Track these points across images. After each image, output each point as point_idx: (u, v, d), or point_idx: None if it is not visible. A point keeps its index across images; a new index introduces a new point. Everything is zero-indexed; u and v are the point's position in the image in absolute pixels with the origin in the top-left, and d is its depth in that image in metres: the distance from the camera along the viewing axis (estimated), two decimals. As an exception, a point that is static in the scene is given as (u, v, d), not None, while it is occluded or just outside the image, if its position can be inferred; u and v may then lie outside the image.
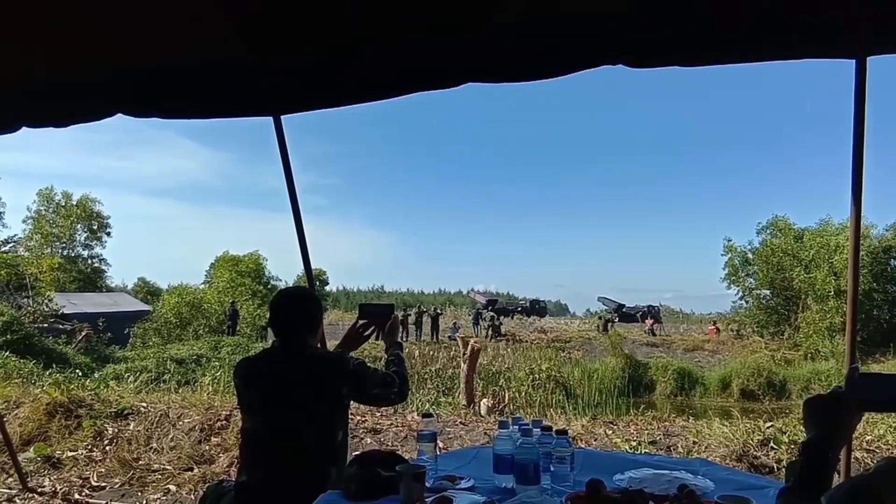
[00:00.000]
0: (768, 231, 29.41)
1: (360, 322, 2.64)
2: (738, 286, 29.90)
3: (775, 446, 4.71)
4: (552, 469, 1.93)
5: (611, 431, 5.46)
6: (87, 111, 3.13)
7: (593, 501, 1.69)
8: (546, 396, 16.93)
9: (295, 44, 2.66)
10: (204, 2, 2.33)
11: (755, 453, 4.64)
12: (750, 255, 29.46)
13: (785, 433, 4.85)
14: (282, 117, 3.06)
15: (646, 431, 5.48)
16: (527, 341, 29.24)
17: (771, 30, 2.22)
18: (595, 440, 5.23)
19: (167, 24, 2.52)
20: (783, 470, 4.57)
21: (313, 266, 3.35)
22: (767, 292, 28.72)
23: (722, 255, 30.66)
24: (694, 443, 5.03)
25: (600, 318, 33.68)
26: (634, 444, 5.05)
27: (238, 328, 28.23)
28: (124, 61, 2.90)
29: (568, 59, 2.46)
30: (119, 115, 3.10)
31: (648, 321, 33.83)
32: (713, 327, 31.49)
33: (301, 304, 2.36)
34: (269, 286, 39.71)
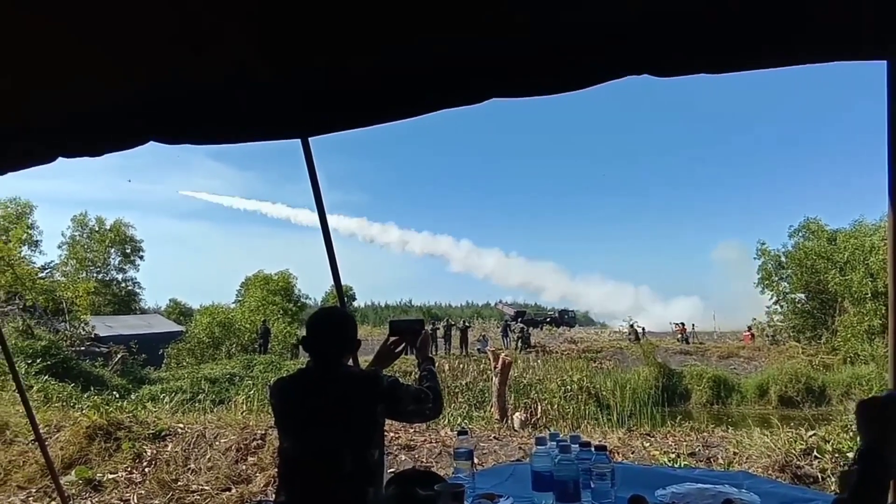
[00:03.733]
0: (801, 234, 28.86)
1: (391, 338, 2.64)
2: (771, 291, 29.33)
3: (819, 455, 4.60)
4: (592, 486, 1.91)
5: (648, 444, 5.38)
6: (120, 140, 3.19)
7: (636, 518, 1.67)
8: (579, 408, 16.73)
9: (320, 65, 2.68)
10: (228, 26, 2.37)
11: (798, 463, 4.53)
12: (783, 259, 28.90)
13: (828, 441, 4.73)
14: (310, 139, 3.09)
15: (684, 443, 5.39)
16: (557, 352, 28.95)
17: (802, 32, 2.18)
18: (632, 453, 5.15)
19: (193, 50, 2.56)
20: (828, 480, 4.46)
21: (344, 282, 3.36)
22: (802, 296, 28.11)
23: (755, 258, 30.17)
24: (734, 454, 4.93)
25: (631, 326, 33.20)
26: (673, 456, 4.97)
27: (270, 346, 28.49)
28: (154, 89, 2.96)
29: (592, 71, 2.43)
30: (151, 142, 3.17)
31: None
32: (748, 333, 30.87)
33: (336, 324, 2.36)
34: (298, 304, 40.11)
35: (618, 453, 5.05)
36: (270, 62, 2.63)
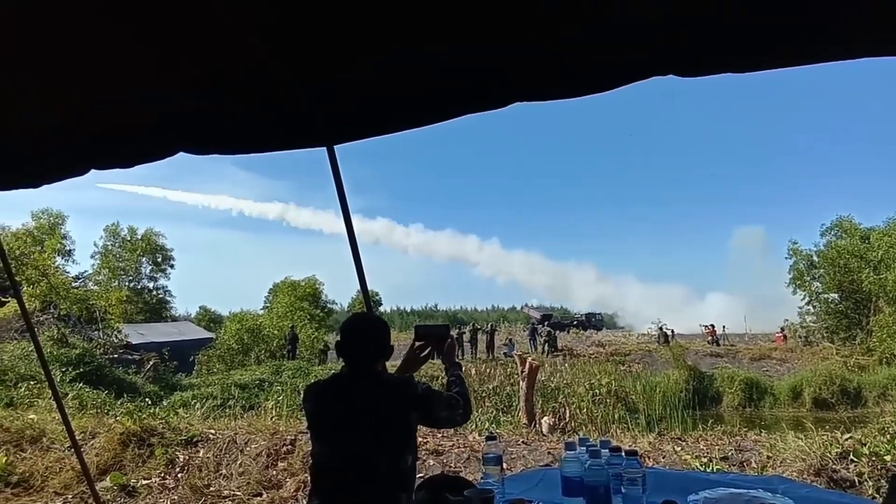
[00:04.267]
0: (833, 232, 28.32)
1: (417, 344, 2.66)
2: (804, 291, 28.78)
3: (855, 459, 4.49)
4: (623, 491, 1.89)
5: (679, 448, 5.31)
6: (151, 151, 3.26)
7: (669, 524, 1.65)
8: (608, 412, 16.56)
9: (344, 72, 2.71)
10: (249, 37, 2.40)
11: (834, 467, 4.43)
12: (815, 259, 28.36)
13: (865, 445, 4.62)
14: (335, 146, 3.11)
15: (716, 447, 5.31)
16: (584, 356, 28.73)
17: (831, 30, 2.14)
18: (663, 458, 5.09)
19: (218, 62, 2.61)
20: (865, 484, 4.36)
21: (368, 287, 3.38)
22: (836, 296, 27.54)
23: (786, 258, 29.65)
24: (768, 458, 4.84)
25: (660, 328, 32.81)
26: (705, 460, 4.89)
27: (298, 352, 28.73)
28: (183, 102, 3.01)
29: (616, 74, 2.42)
30: (180, 153, 3.22)
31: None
32: (780, 334, 30.32)
33: (370, 331, 2.37)
34: (325, 309, 40.37)
35: (648, 458, 4.99)
36: (294, 71, 2.66)
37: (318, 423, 2.28)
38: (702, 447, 5.32)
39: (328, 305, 41.30)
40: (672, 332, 32.85)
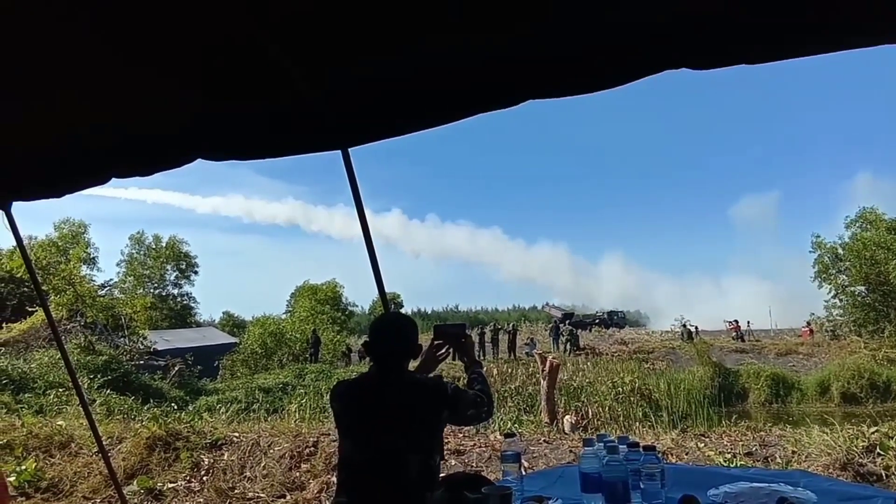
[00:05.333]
0: (858, 224, 27.83)
1: (436, 343, 2.67)
2: (829, 284, 28.32)
3: (882, 452, 4.42)
4: (642, 486, 1.88)
5: (702, 444, 5.26)
6: (169, 159, 3.31)
7: (688, 518, 1.64)
8: (631, 410, 16.44)
9: (357, 73, 2.72)
10: (262, 41, 2.43)
11: (861, 461, 4.36)
12: (840, 251, 27.90)
13: (892, 438, 4.54)
14: (350, 149, 3.13)
15: (740, 443, 5.25)
16: (607, 354, 28.55)
17: (852, 17, 2.11)
18: (686, 454, 5.04)
19: (232, 68, 2.64)
20: (892, 478, 4.28)
21: (388, 290, 3.40)
22: (862, 289, 27.06)
23: (810, 251, 29.21)
24: (793, 452, 4.77)
25: (684, 325, 32.50)
26: (728, 456, 4.84)
27: (320, 355, 28.91)
28: (199, 109, 3.05)
29: (629, 68, 2.41)
30: (198, 160, 3.27)
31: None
32: (806, 329, 29.87)
33: (399, 330, 2.39)
34: (346, 312, 40.60)
35: (671, 455, 4.95)
36: (307, 75, 2.68)
37: (348, 421, 2.31)
38: (725, 443, 5.26)
39: (349, 308, 41.54)
40: (696, 328, 32.53)
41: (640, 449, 1.96)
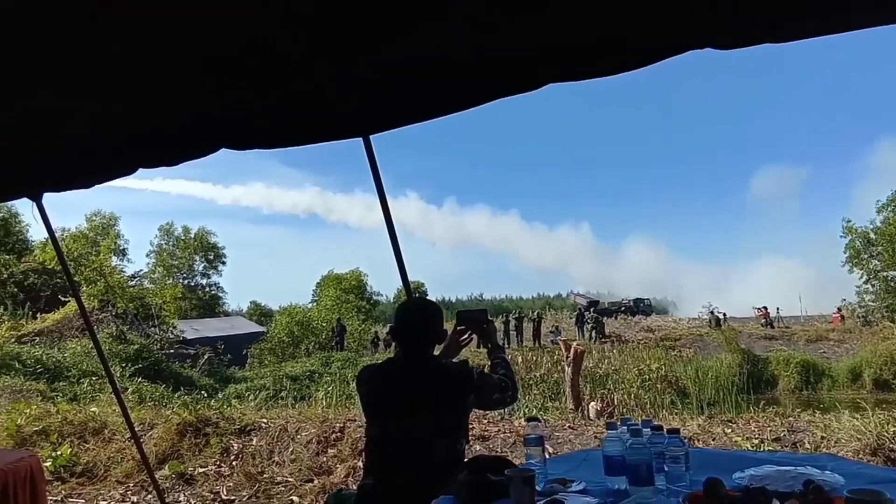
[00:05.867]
0: (890, 208, 27.19)
1: (459, 329, 2.69)
2: (861, 269, 27.75)
3: (913, 437, 4.35)
4: (666, 469, 1.88)
5: (729, 430, 5.21)
6: (194, 149, 3.35)
7: (712, 500, 1.63)
8: (657, 397, 16.32)
9: (376, 59, 2.72)
10: (282, 29, 2.44)
11: (891, 446, 4.30)
12: (872, 236, 27.31)
13: (925, 422, 4.47)
14: (371, 137, 3.14)
15: (768, 428, 5.19)
16: (633, 342, 28.37)
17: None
18: (713, 440, 5.00)
19: (252, 57, 2.65)
20: (924, 463, 4.20)
21: (412, 279, 3.41)
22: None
23: (841, 236, 28.64)
24: (822, 438, 4.71)
25: (711, 312, 32.10)
26: (756, 441, 4.79)
27: (346, 343, 29.16)
28: (221, 99, 3.08)
29: (652, 48, 2.37)
30: (223, 149, 3.30)
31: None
32: (837, 315, 29.32)
33: (425, 315, 2.41)
34: (371, 301, 40.86)
35: (698, 440, 4.91)
36: (327, 62, 2.69)
37: (375, 406, 2.34)
38: (753, 429, 5.21)
39: (374, 297, 41.79)
40: (724, 315, 32.12)
41: (664, 432, 1.95)
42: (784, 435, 4.94)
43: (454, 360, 2.55)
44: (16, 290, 24.95)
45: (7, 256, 26.30)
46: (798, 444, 4.73)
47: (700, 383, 19.31)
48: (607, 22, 2.36)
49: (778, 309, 32.46)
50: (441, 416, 2.20)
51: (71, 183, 3.80)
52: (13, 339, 18.49)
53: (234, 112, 3.15)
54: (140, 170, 3.55)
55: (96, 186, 3.75)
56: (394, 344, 2.44)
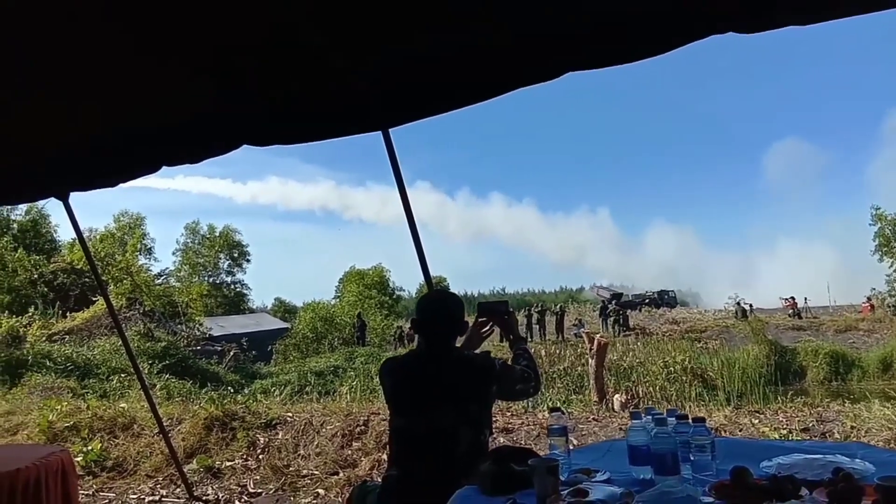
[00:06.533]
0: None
1: (480, 320, 2.68)
2: (891, 258, 27.19)
3: (947, 427, 4.25)
4: (692, 458, 1.85)
5: (757, 420, 5.14)
6: (215, 146, 3.39)
7: (739, 489, 1.60)
8: (683, 389, 16.17)
9: (393, 51, 2.72)
10: (301, 24, 2.44)
11: (924, 435, 4.21)
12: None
13: (959, 412, 4.37)
14: (390, 130, 3.14)
15: (796, 418, 5.11)
16: (658, 334, 28.11)
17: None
18: (740, 431, 4.94)
19: (271, 52, 2.67)
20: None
21: (433, 273, 3.40)
22: (928, 261, 25.94)
23: (870, 224, 28.09)
24: (852, 428, 4.63)
25: (738, 303, 31.71)
26: (784, 432, 4.72)
27: (368, 339, 29.32)
28: (242, 97, 3.11)
29: (673, 33, 2.33)
30: (244, 146, 3.33)
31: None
32: (867, 304, 28.77)
33: (447, 307, 2.43)
34: (393, 296, 41.05)
35: (724, 431, 4.85)
36: (346, 56, 2.70)
37: (399, 398, 2.36)
38: (781, 419, 5.13)
39: (396, 292, 41.97)
40: (750, 306, 31.74)
41: (690, 421, 1.93)
42: (813, 425, 4.86)
43: (476, 351, 2.55)
44: (46, 289, 25.45)
45: (37, 257, 26.84)
46: (827, 434, 4.65)
47: (727, 375, 19.06)
48: (625, 9, 2.34)
49: (806, 299, 31.95)
50: (464, 407, 2.21)
51: (96, 182, 3.87)
52: (44, 338, 18.90)
53: (253, 109, 3.18)
54: (164, 167, 3.61)
55: (122, 185, 3.82)
56: (416, 336, 2.45)
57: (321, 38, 2.56)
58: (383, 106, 3.01)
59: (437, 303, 2.51)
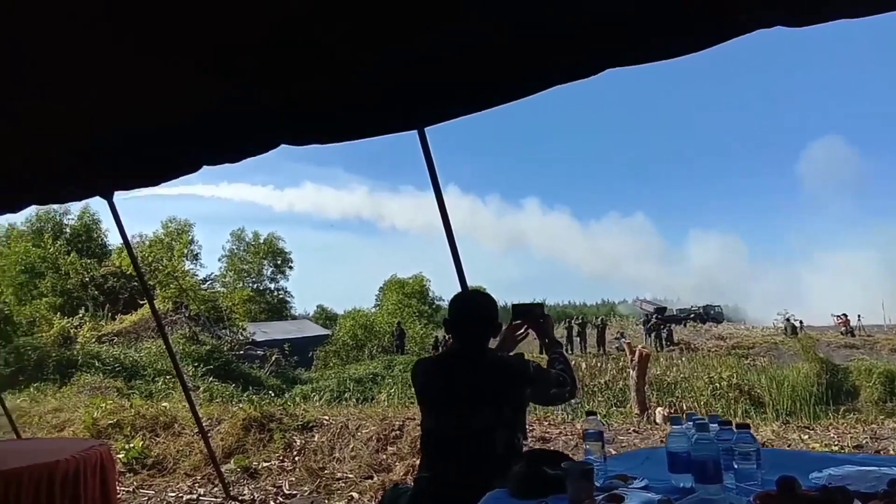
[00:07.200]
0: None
1: (515, 323, 2.63)
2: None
3: None
4: (735, 466, 1.77)
5: (806, 436, 4.93)
6: (254, 145, 3.42)
7: (786, 500, 1.51)
8: (729, 406, 15.69)
9: (425, 48, 2.69)
10: (337, 22, 2.44)
11: None
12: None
13: None
14: (426, 129, 3.12)
15: (849, 435, 4.89)
16: (703, 349, 27.41)
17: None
18: (788, 446, 4.74)
19: (306, 52, 2.68)
20: None
21: (470, 283, 3.34)
22: None
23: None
24: (908, 444, 4.40)
25: (787, 319, 30.74)
26: (836, 448, 4.51)
27: (406, 347, 29.39)
28: (279, 95, 3.13)
29: (718, 28, 2.26)
30: (282, 145, 3.35)
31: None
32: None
33: (481, 307, 2.38)
34: (433, 306, 41.10)
35: (771, 446, 4.66)
36: (381, 56, 2.69)
37: (431, 399, 2.32)
38: (832, 435, 4.91)
39: (435, 302, 42.00)
40: (800, 322, 30.72)
41: (733, 427, 1.84)
42: (866, 442, 4.64)
43: (521, 353, 2.50)
44: (96, 292, 26.23)
45: (88, 261, 27.68)
46: (882, 452, 4.43)
47: (775, 393, 18.44)
48: (668, 2, 2.27)
49: (859, 317, 30.76)
50: (496, 409, 2.16)
51: (139, 181, 3.94)
52: (93, 339, 19.51)
53: (290, 107, 3.20)
54: (204, 167, 3.66)
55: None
56: (448, 336, 2.41)
57: (355, 35, 2.55)
58: (419, 105, 2.99)
59: (470, 302, 2.47)
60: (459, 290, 3.05)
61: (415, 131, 3.11)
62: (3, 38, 2.38)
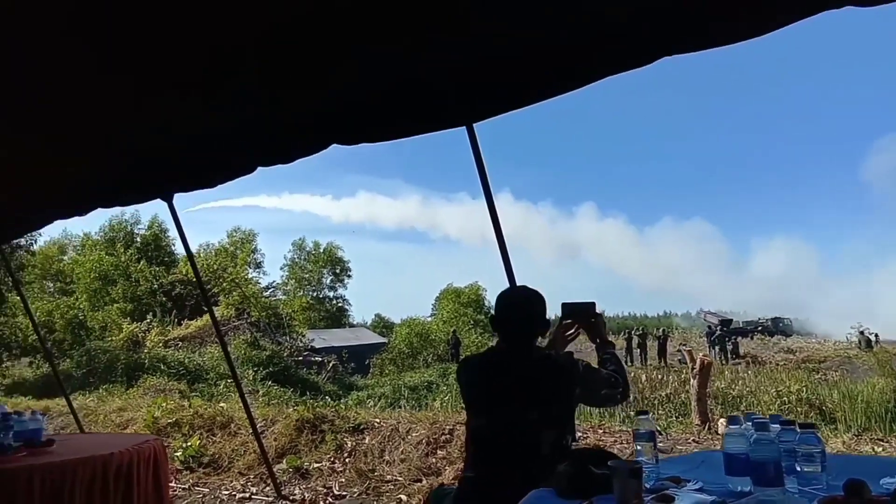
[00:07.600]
0: None
1: (565, 322, 2.54)
2: None
3: None
4: (798, 469, 1.64)
5: (880, 448, 4.63)
6: (305, 145, 3.45)
7: (854, 505, 1.38)
8: (798, 421, 14.96)
9: (474, 43, 2.65)
10: (382, 21, 2.42)
11: None
12: None
13: None
14: (475, 125, 3.07)
15: (928, 448, 4.57)
16: (770, 363, 26.32)
17: None
18: (860, 458, 4.47)
19: (354, 52, 2.67)
20: None
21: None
22: None
23: None
24: None
25: (861, 332, 29.23)
26: (913, 462, 4.22)
27: (462, 356, 29.32)
28: (331, 97, 3.15)
29: (783, 8, 2.12)
30: (333, 145, 3.37)
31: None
32: None
33: (528, 303, 2.30)
34: (489, 315, 41.02)
35: (842, 458, 4.40)
36: (427, 52, 2.66)
37: (477, 397, 2.25)
38: (908, 448, 4.61)
39: (491, 312, 41.97)
40: (876, 336, 29.16)
41: (796, 427, 1.71)
42: (949, 456, 4.32)
43: (571, 352, 2.41)
44: (164, 298, 27.15)
45: (157, 268, 28.71)
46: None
47: (848, 408, 17.50)
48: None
49: (941, 330, 29.01)
50: (544, 408, 2.08)
51: (196, 183, 4.03)
52: (160, 344, 20.22)
53: (339, 107, 3.21)
54: (259, 168, 3.71)
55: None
56: (495, 333, 2.33)
57: (402, 33, 2.53)
58: (468, 100, 2.94)
59: (518, 298, 2.38)
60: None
61: (464, 129, 3.07)
62: (72, 50, 2.47)
